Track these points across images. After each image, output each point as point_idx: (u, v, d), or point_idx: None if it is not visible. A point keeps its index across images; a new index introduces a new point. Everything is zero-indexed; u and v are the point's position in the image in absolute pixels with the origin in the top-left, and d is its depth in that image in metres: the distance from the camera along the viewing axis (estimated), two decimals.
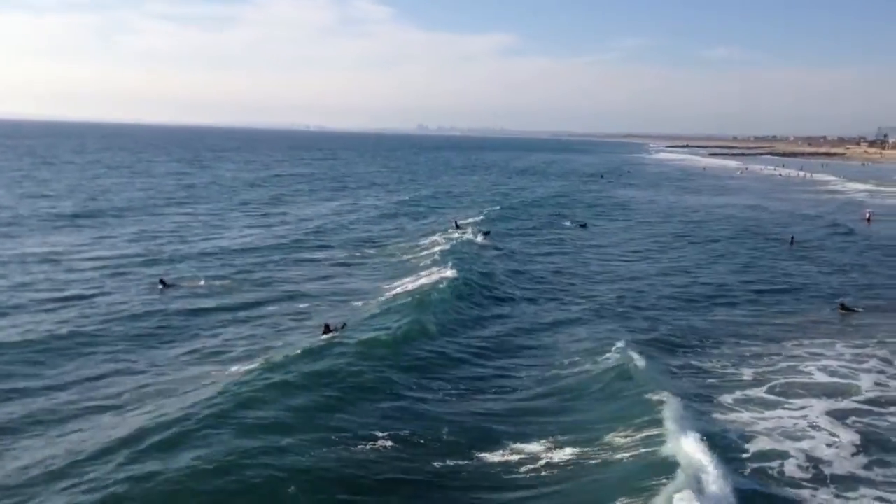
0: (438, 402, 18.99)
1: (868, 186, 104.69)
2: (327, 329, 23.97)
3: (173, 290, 30.63)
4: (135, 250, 39.25)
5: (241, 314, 27.54)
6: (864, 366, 22.44)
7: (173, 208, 58.73)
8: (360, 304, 28.75)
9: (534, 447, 16.04)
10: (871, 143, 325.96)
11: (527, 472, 15.08)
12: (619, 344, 22.75)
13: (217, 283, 32.51)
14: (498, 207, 63.95)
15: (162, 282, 31.45)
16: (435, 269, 34.05)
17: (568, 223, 56.59)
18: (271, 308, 28.47)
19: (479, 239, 45.00)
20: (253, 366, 20.39)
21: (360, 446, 15.94)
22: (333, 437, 16.20)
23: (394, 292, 30.22)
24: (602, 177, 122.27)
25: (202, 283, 32.25)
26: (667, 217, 63.68)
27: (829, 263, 41.07)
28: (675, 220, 61.79)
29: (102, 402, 18.65)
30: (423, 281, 31.70)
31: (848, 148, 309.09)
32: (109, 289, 30.56)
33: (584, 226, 55.25)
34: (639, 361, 20.90)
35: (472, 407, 18.69)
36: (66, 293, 29.39)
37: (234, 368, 20.77)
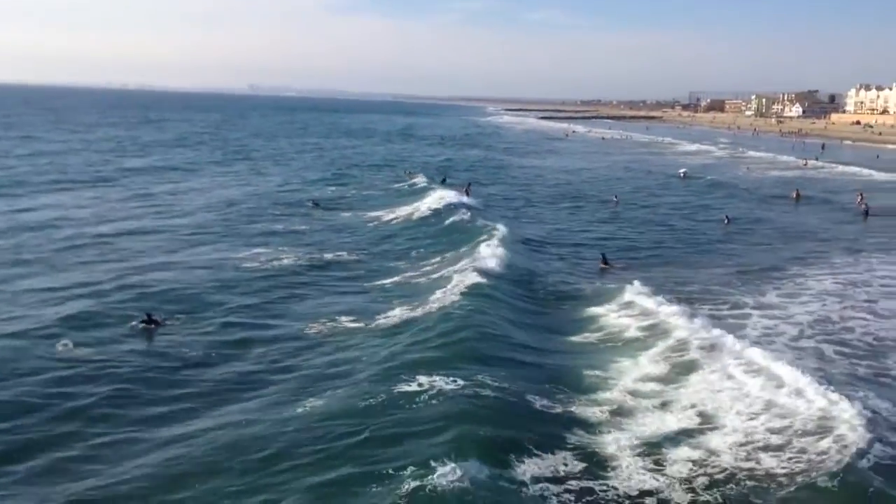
0: None
1: (696, 147, 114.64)
2: (148, 319, 20.98)
3: None
4: None
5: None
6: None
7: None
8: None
9: None
10: (685, 107, 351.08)
11: None
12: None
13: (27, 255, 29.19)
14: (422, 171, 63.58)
15: None
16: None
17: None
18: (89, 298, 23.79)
19: (465, 199, 46.20)
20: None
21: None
22: None
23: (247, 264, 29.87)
24: (443, 139, 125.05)
25: None
26: (501, 178, 65.83)
27: (642, 221, 44.25)
28: (508, 181, 64.00)
29: None
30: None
31: (665, 111, 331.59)
32: None
33: (444, 180, 57.41)
34: None
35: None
36: None
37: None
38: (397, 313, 22.45)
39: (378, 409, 15.49)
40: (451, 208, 42.09)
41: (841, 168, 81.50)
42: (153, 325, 20.87)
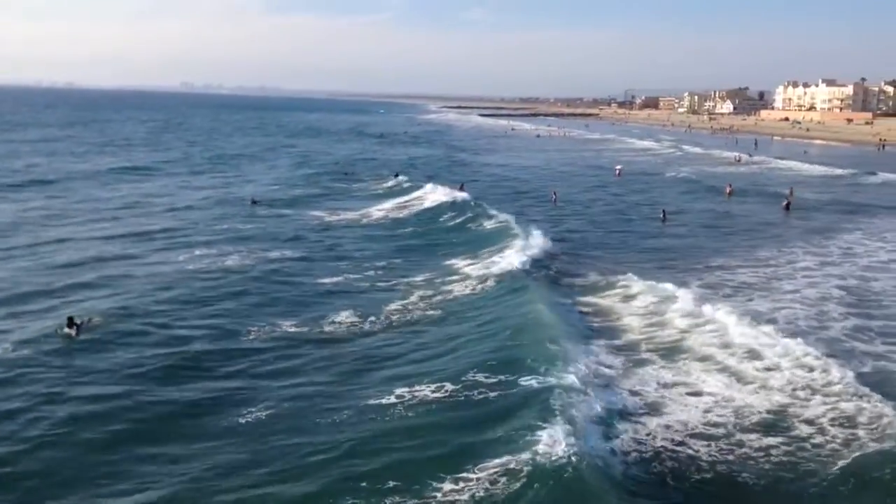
0: None
1: (632, 144, 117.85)
2: (71, 323, 20.07)
3: None
4: None
5: None
6: None
7: None
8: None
9: None
10: (621, 105, 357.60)
11: None
12: None
13: None
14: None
15: None
16: None
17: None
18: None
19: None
20: None
21: None
22: None
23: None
24: (382, 136, 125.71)
25: None
26: (445, 176, 66.01)
27: (579, 217, 45.12)
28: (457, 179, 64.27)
29: None
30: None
31: (601, 109, 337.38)
32: None
33: (397, 175, 60.05)
34: None
35: None
36: None
37: None
38: (342, 317, 22.79)
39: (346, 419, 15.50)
40: (462, 204, 44.07)
41: (773, 164, 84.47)
42: (76, 330, 19.93)
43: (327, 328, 21.71)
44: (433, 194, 48.17)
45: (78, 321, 20.34)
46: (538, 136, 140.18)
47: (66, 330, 19.96)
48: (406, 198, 48.54)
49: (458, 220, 40.44)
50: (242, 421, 15.53)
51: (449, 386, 16.73)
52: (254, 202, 45.47)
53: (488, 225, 38.48)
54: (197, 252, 31.07)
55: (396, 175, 59.97)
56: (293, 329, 21.57)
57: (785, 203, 50.30)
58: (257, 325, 21.75)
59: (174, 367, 18.35)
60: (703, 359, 19.42)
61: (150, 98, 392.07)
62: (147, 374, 17.91)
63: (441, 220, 41.00)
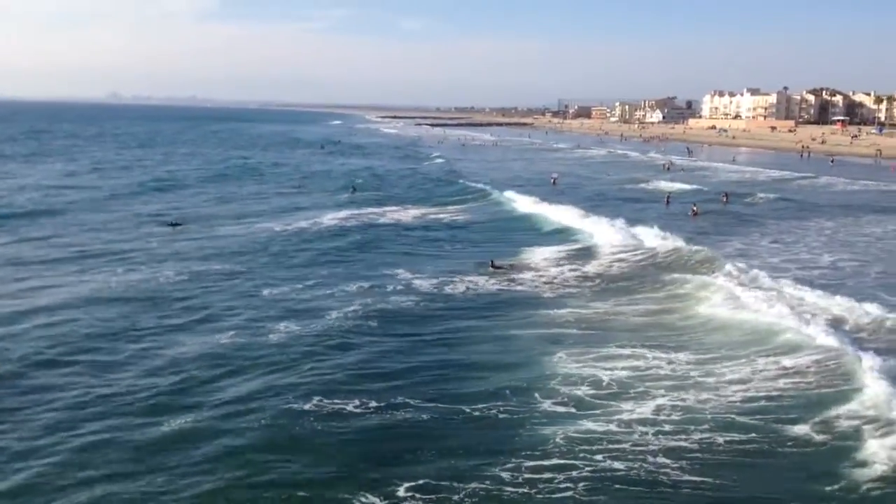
0: None
1: (567, 152, 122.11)
2: None
3: None
4: None
5: None
6: None
7: None
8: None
9: None
10: (555, 114, 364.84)
11: None
12: None
13: None
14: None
15: None
16: None
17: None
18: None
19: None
20: None
21: None
22: None
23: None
24: (322, 147, 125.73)
25: None
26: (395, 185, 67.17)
27: None
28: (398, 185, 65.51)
29: None
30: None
31: (536, 118, 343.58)
32: None
33: (354, 189, 60.93)
34: None
35: None
36: None
37: None
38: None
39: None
40: None
41: (703, 171, 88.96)
42: None
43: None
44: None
45: None
46: (462, 144, 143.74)
47: None
48: None
49: None
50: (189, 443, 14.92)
51: None
52: (173, 224, 40.31)
53: None
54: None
55: (353, 190, 59.64)
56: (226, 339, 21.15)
57: (693, 212, 50.39)
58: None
59: (98, 400, 16.69)
60: None
61: (82, 110, 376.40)
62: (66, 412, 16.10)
63: None
